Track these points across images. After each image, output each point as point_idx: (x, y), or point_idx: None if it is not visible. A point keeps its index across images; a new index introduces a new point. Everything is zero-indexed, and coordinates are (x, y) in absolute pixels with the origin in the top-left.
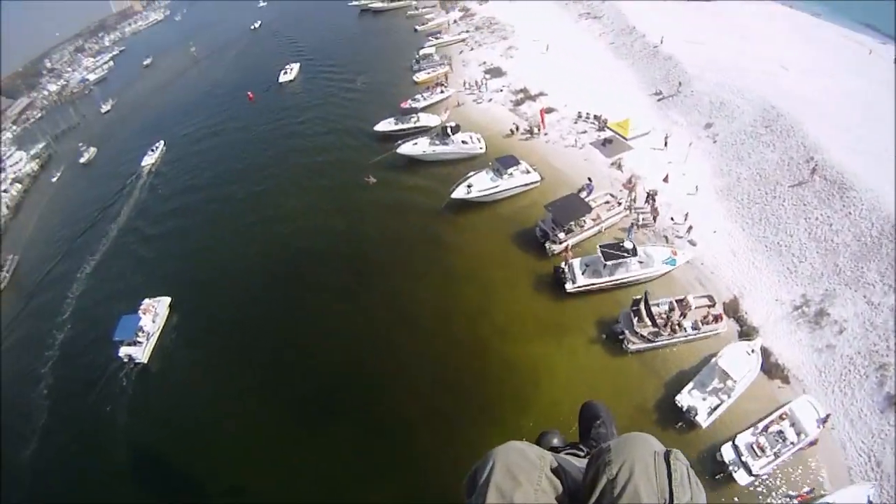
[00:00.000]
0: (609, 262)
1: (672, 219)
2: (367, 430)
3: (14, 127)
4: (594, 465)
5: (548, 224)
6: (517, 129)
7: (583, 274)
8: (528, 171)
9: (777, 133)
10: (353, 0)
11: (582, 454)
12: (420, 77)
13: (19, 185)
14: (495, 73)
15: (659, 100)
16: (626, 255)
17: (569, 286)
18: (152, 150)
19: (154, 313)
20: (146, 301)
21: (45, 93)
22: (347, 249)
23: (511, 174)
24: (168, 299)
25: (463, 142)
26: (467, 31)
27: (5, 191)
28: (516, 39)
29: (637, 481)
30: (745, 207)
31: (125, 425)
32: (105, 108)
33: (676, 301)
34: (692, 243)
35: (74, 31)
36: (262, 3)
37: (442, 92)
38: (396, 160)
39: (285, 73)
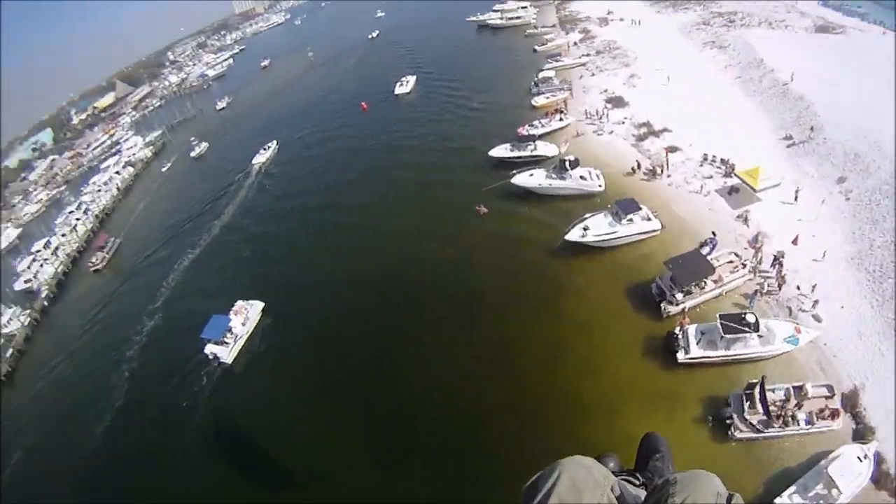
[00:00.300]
0: (727, 336)
1: (798, 287)
2: (443, 476)
3: (134, 113)
4: (656, 495)
5: (665, 282)
6: (639, 167)
7: (697, 344)
8: (649, 218)
9: None
10: (471, 16)
11: (637, 483)
12: (539, 101)
13: (132, 169)
14: (617, 102)
15: (789, 146)
16: (747, 330)
17: (680, 356)
18: (264, 150)
19: (245, 316)
20: (239, 303)
21: (166, 83)
22: (452, 279)
23: (631, 220)
24: (262, 304)
25: (581, 177)
26: (588, 55)
27: (117, 173)
28: (639, 67)
29: None
30: (876, 282)
31: (199, 420)
32: (221, 104)
33: (794, 388)
34: (817, 319)
35: (198, 28)
36: (380, 14)
37: (561, 119)
38: (510, 190)
39: (401, 84)
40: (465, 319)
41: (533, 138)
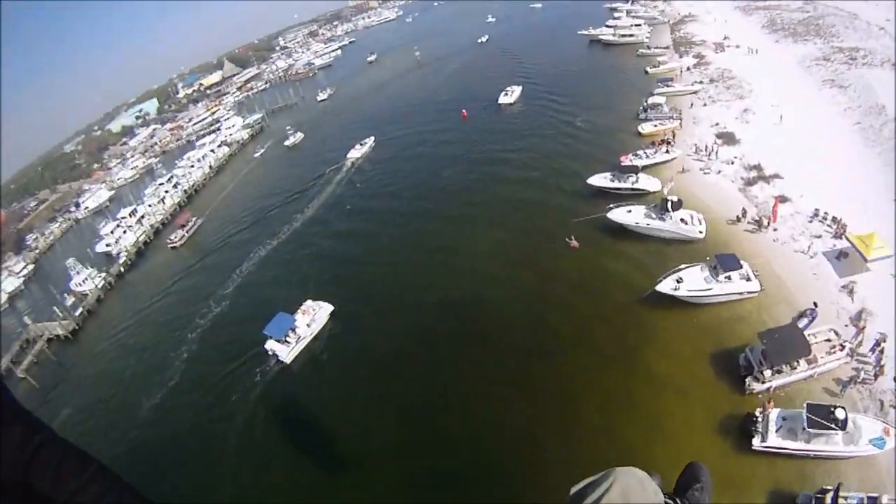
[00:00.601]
0: (811, 430)
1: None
2: None
3: (238, 93)
4: None
5: (756, 356)
6: (744, 215)
7: (776, 431)
8: (749, 278)
9: None
10: (583, 29)
11: None
12: (645, 129)
13: (227, 150)
14: (728, 139)
15: None
16: (834, 427)
17: (756, 442)
18: (360, 145)
19: (312, 317)
20: (308, 302)
21: (274, 67)
22: (531, 312)
23: (729, 278)
24: (331, 308)
25: (682, 220)
26: (700, 83)
27: (212, 151)
28: (754, 101)
29: None
30: None
31: (246, 414)
32: (322, 95)
33: (868, 499)
34: None
35: (312, 17)
36: (490, 19)
37: (668, 152)
38: (604, 223)
39: (506, 94)
40: (535, 358)
41: (636, 170)
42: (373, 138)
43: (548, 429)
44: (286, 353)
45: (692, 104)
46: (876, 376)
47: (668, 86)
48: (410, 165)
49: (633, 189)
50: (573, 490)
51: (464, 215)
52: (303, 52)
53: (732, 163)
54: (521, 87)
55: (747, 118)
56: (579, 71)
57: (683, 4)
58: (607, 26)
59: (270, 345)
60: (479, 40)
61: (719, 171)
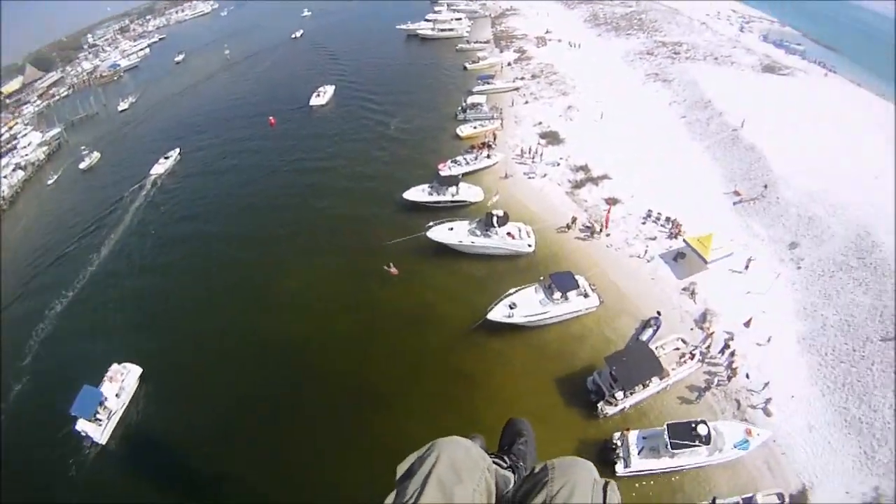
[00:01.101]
0: (676, 450)
1: (748, 376)
2: None
3: (38, 102)
4: (532, 480)
5: (605, 381)
6: (574, 222)
7: (639, 454)
8: (587, 294)
9: (871, 269)
10: (401, 24)
11: (504, 465)
12: (464, 131)
13: (22, 174)
14: (552, 138)
15: (737, 202)
16: (698, 444)
17: (620, 468)
18: (164, 159)
19: (120, 385)
20: (114, 367)
21: (79, 69)
22: (360, 354)
23: (566, 297)
24: (139, 370)
25: (509, 234)
26: (522, 79)
27: (5, 177)
28: (577, 97)
29: (575, 503)
30: (828, 366)
31: None
32: (123, 105)
33: (743, 500)
34: (767, 413)
35: (123, 10)
36: (306, 13)
37: (489, 157)
38: (425, 245)
39: (318, 95)
40: (369, 408)
41: (455, 180)
42: (178, 150)
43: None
44: (99, 433)
45: (513, 102)
46: (729, 378)
47: (488, 83)
48: (218, 181)
49: (453, 201)
50: (401, 467)
51: (276, 238)
52: (110, 52)
53: (558, 164)
54: (333, 87)
55: (572, 115)
56: (396, 67)
57: None
58: (426, 20)
59: (81, 426)
60: (294, 35)
61: (545, 175)
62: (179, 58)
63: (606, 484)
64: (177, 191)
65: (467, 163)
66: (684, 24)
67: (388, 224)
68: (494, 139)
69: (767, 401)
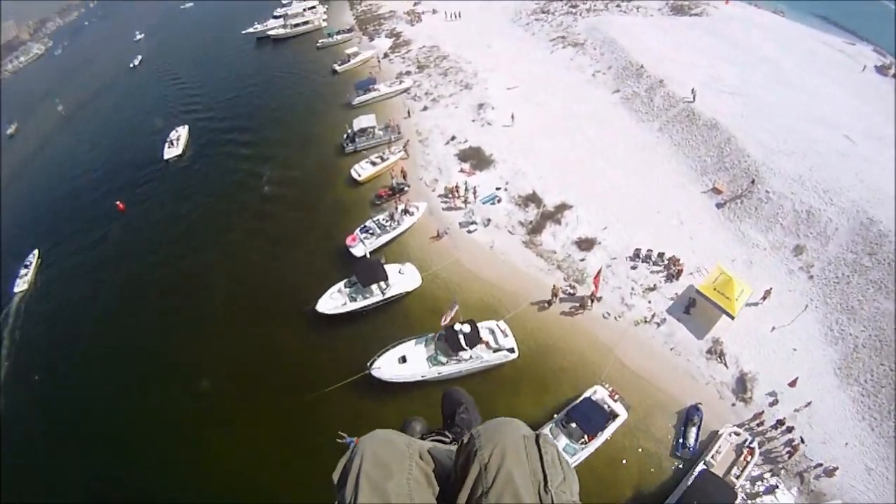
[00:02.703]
0: None
1: (803, 441)
2: None
3: None
4: (464, 451)
5: None
6: (556, 295)
7: None
8: (615, 414)
9: (885, 266)
10: (247, 27)
11: (448, 440)
12: (362, 173)
13: None
14: (477, 159)
15: (722, 203)
16: None
17: None
18: (26, 267)
19: None
20: None
21: None
22: None
23: (598, 430)
24: None
25: (485, 344)
26: (408, 73)
27: None
28: (484, 89)
29: (510, 465)
30: (869, 395)
31: None
32: None
33: None
34: (829, 474)
35: None
36: (139, 36)
37: (409, 212)
38: (370, 384)
39: (171, 144)
40: None
41: (379, 271)
42: (37, 251)
43: None
44: None
45: (409, 111)
46: (790, 455)
47: (370, 90)
48: (79, 318)
49: (388, 299)
50: (334, 475)
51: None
52: None
53: (498, 200)
54: (187, 129)
55: (487, 117)
56: (254, 85)
57: None
58: (275, 16)
59: None
60: (132, 64)
61: (488, 221)
62: (10, 129)
63: (538, 437)
64: (47, 317)
65: (383, 229)
66: None
67: (312, 355)
68: (405, 176)
69: (831, 469)
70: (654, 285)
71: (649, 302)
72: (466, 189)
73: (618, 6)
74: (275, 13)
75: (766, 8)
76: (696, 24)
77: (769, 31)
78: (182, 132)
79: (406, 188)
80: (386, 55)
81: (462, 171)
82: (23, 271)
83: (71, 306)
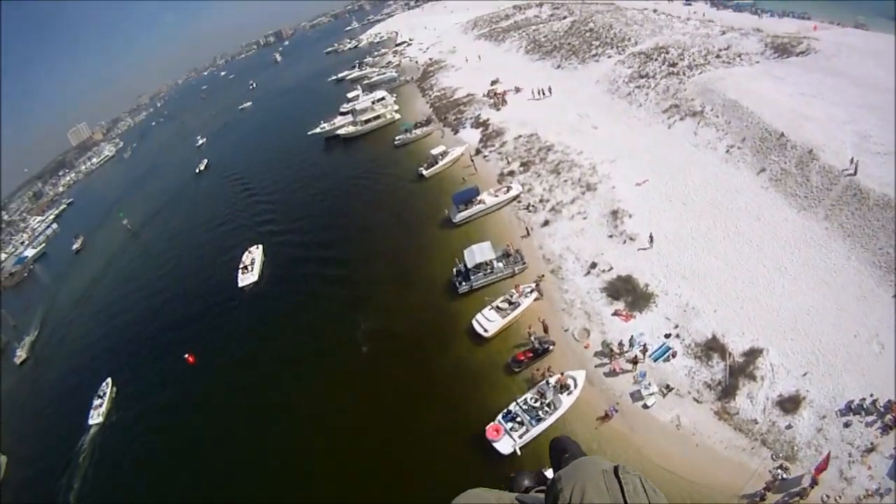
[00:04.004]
0: None
1: None
2: None
3: None
4: (551, 495)
5: None
6: (769, 489)
7: None
8: None
9: None
10: (312, 127)
11: None
12: (490, 328)
13: None
14: (630, 294)
15: None
16: None
17: None
18: (100, 397)
19: None
20: None
21: None
22: None
23: None
24: None
25: None
26: (510, 173)
27: None
28: (611, 188)
29: (589, 500)
30: None
31: None
32: (19, 356)
33: None
34: None
35: (39, 168)
36: (200, 141)
37: (566, 389)
38: None
39: (245, 269)
40: None
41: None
42: (110, 380)
43: None
44: None
45: (528, 228)
46: None
47: (472, 203)
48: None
49: None
50: None
51: None
52: (19, 234)
53: (673, 354)
54: (261, 249)
55: (625, 229)
56: (330, 195)
57: (414, 43)
58: (342, 112)
59: None
60: (198, 169)
61: (667, 389)
62: (77, 244)
63: (617, 469)
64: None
65: (534, 415)
66: (640, 20)
67: None
68: (546, 329)
69: None
70: (872, 444)
71: (869, 468)
72: (632, 344)
73: (717, 56)
74: (341, 109)
75: (847, 24)
76: (809, 64)
77: (883, 56)
78: (256, 253)
79: (550, 347)
80: (478, 151)
81: (617, 314)
82: (97, 402)
83: (143, 453)
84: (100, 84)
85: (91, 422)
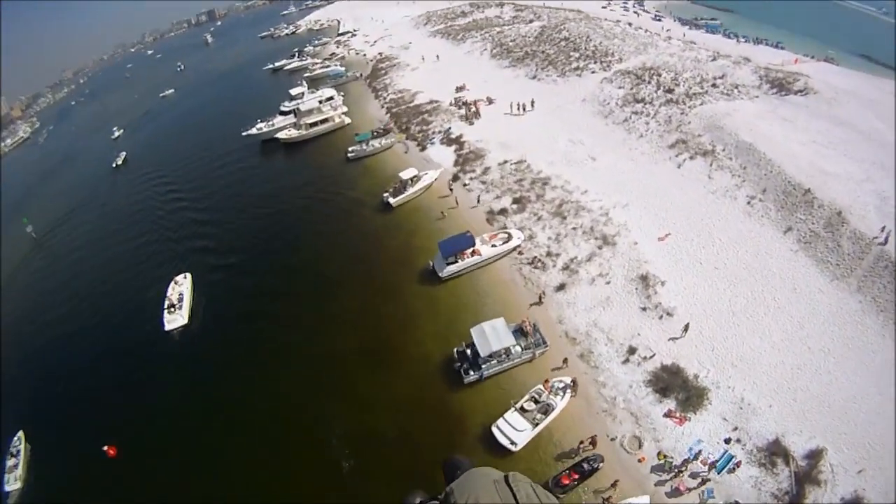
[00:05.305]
0: None
1: None
2: None
3: None
4: None
5: None
6: None
7: None
8: None
9: None
10: (248, 127)
11: None
12: (519, 440)
13: None
14: (680, 389)
15: None
16: None
17: None
18: (13, 456)
19: None
20: None
21: None
22: None
23: None
24: None
25: None
26: (502, 212)
27: None
28: (633, 245)
29: None
30: None
31: None
32: None
33: None
34: None
35: None
36: (116, 133)
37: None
38: None
39: (172, 307)
40: None
41: None
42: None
43: None
44: None
45: (540, 295)
46: None
47: (462, 256)
48: None
49: None
50: None
51: None
52: None
53: (737, 464)
54: (190, 278)
55: (660, 301)
56: (272, 216)
57: (359, 34)
58: (282, 112)
59: None
60: (115, 163)
61: None
62: None
63: (506, 478)
64: None
65: None
66: (619, 34)
67: None
68: (593, 443)
69: None
70: None
71: None
72: (694, 455)
73: (714, 86)
74: (282, 107)
75: (819, 58)
76: (812, 108)
77: (880, 105)
78: (185, 286)
79: (600, 465)
80: (456, 177)
81: (670, 415)
82: (10, 462)
83: None
84: (21, 55)
85: (6, 487)
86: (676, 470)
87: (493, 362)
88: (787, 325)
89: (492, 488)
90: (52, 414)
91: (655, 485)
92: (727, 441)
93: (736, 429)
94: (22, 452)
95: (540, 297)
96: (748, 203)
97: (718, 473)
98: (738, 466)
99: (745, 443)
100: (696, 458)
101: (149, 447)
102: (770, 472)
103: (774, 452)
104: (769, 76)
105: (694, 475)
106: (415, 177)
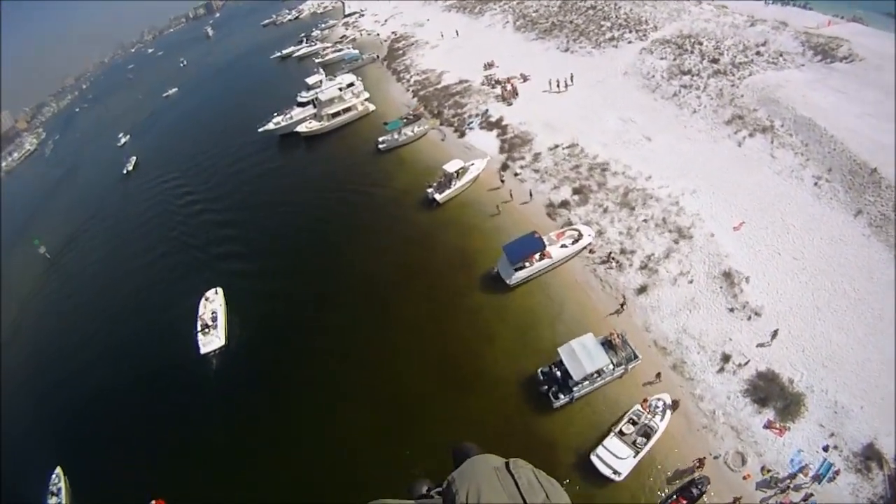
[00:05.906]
0: None
1: None
2: None
3: None
4: (447, 498)
5: None
6: None
7: None
8: None
9: None
10: (262, 122)
11: None
12: (623, 468)
13: None
14: (778, 397)
15: None
16: None
17: None
18: (53, 495)
19: None
20: None
21: None
22: None
23: None
24: None
25: None
26: (564, 204)
27: None
28: (709, 237)
29: (486, 499)
30: None
31: None
32: None
33: None
34: None
35: None
36: (123, 139)
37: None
38: None
39: (206, 327)
40: None
41: None
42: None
43: None
44: None
45: (622, 302)
46: None
47: (530, 260)
48: None
49: None
50: None
51: None
52: None
53: (836, 472)
54: (221, 293)
55: (747, 300)
56: (303, 215)
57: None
58: (300, 103)
59: None
60: (125, 169)
61: None
62: None
63: (508, 464)
64: None
65: None
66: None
67: None
68: (701, 465)
69: None
70: None
71: None
72: (798, 468)
73: (758, 54)
74: (299, 98)
75: (847, 16)
76: (861, 76)
77: None
78: (217, 301)
79: (706, 487)
80: (505, 166)
81: (770, 426)
82: (52, 501)
83: None
84: (22, 66)
85: None
86: (784, 485)
87: (584, 383)
88: (869, 317)
89: (493, 475)
90: (88, 450)
91: (761, 502)
92: (825, 449)
93: (832, 435)
94: (63, 491)
95: (622, 304)
96: (815, 184)
97: (820, 484)
98: (837, 475)
99: (842, 449)
100: (801, 470)
101: (193, 491)
102: (866, 477)
103: (869, 457)
104: (811, 42)
105: (797, 488)
106: (462, 169)
